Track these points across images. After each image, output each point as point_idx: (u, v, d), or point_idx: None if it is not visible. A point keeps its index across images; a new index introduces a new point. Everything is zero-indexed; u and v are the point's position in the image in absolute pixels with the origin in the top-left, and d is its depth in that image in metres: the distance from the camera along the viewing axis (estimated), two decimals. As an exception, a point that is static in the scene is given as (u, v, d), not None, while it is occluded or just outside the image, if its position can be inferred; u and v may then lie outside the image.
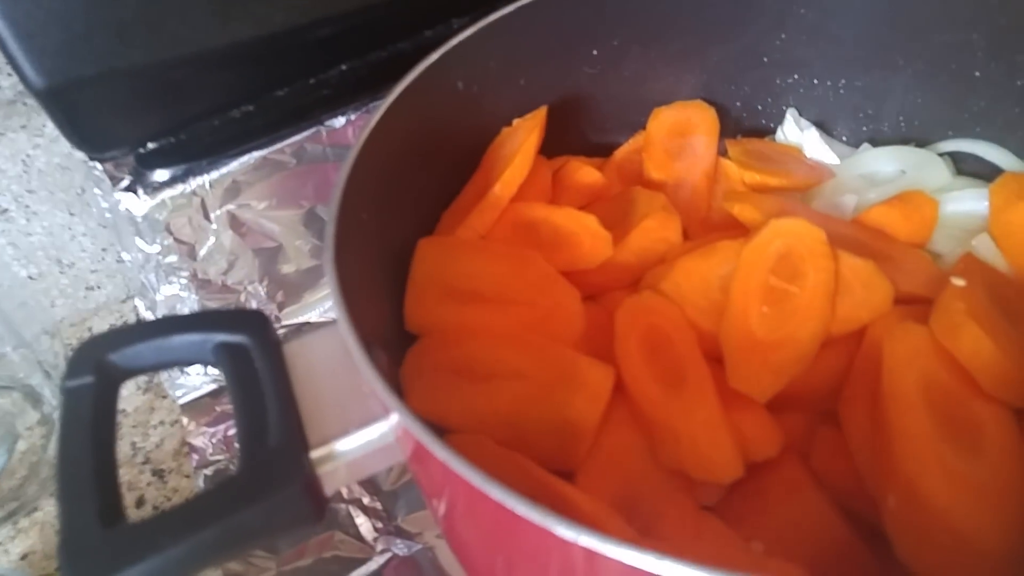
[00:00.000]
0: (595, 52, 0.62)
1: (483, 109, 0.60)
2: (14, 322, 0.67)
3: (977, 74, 0.57)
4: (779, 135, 0.66)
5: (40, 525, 0.61)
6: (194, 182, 0.63)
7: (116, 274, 0.78)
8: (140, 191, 0.62)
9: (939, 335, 0.45)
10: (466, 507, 0.39)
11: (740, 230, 0.54)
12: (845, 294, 0.49)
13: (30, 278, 0.75)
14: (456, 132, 0.59)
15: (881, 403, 0.43)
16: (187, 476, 0.61)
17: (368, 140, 0.49)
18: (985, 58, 0.56)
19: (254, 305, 0.69)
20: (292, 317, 0.71)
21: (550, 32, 0.60)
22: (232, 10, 0.55)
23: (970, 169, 0.60)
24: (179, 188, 0.63)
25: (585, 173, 0.63)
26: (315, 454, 0.40)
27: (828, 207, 0.60)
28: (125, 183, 0.62)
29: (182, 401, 0.64)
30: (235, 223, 0.66)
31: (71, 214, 0.74)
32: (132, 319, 0.74)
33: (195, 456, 0.61)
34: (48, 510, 0.62)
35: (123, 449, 0.64)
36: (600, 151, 0.66)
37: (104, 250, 0.77)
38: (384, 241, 0.53)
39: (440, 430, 0.46)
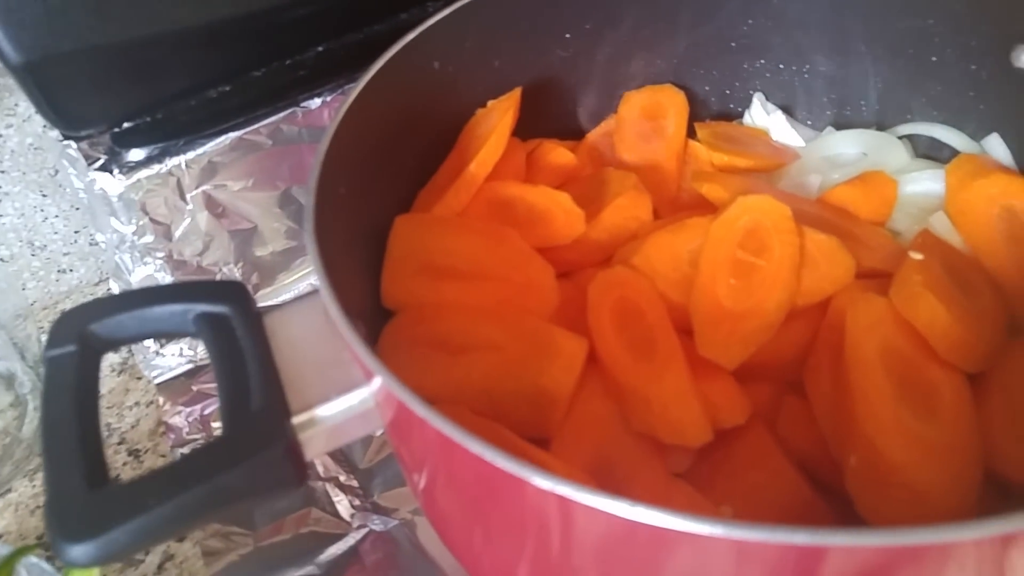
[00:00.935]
0: (568, 35, 0.63)
1: (458, 90, 0.61)
2: (-15, 304, 0.67)
3: (934, 59, 0.59)
4: (746, 119, 0.68)
5: (14, 506, 0.61)
6: (170, 162, 0.64)
7: (89, 257, 0.78)
8: (115, 170, 0.62)
9: (898, 305, 0.47)
10: (445, 472, 0.41)
11: (708, 209, 0.56)
12: (810, 268, 0.51)
13: (1, 260, 0.74)
14: (432, 112, 0.60)
15: (843, 369, 0.45)
16: (163, 456, 0.62)
17: (346, 116, 0.50)
18: (941, 44, 0.58)
19: (230, 286, 0.70)
20: (267, 299, 0.71)
21: (524, 15, 0.61)
22: (208, -11, 0.56)
23: (928, 151, 0.63)
24: (155, 168, 0.63)
25: (558, 154, 0.64)
26: (296, 419, 0.41)
27: (793, 187, 0.62)
28: (100, 162, 0.62)
29: (158, 381, 0.64)
30: (211, 204, 0.67)
31: (43, 195, 0.73)
32: (106, 300, 0.74)
33: (171, 435, 0.61)
34: (23, 491, 0.62)
35: (99, 429, 0.64)
36: (573, 134, 0.67)
37: (77, 232, 0.76)
38: (361, 218, 0.54)
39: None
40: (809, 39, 0.64)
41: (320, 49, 0.65)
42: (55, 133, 0.61)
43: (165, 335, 0.45)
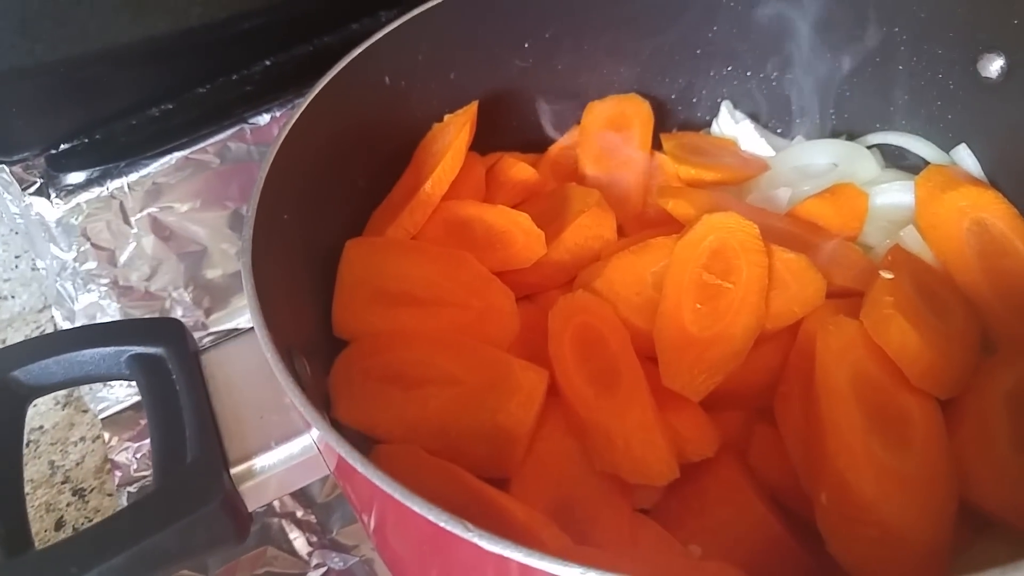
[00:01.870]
0: (527, 45, 0.61)
1: (412, 104, 0.58)
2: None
3: (900, 67, 0.57)
4: (714, 128, 0.66)
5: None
6: (112, 184, 0.60)
7: (31, 282, 0.74)
8: (52, 195, 0.59)
9: (869, 328, 0.45)
10: (395, 521, 0.38)
11: (675, 226, 0.54)
12: (779, 289, 0.49)
13: (-63, 288, 0.71)
14: (384, 128, 0.57)
15: (814, 398, 0.43)
16: (110, 495, 0.59)
17: (288, 138, 0.48)
18: (907, 52, 0.56)
19: (179, 312, 0.67)
20: (220, 323, 0.68)
21: (480, 24, 0.58)
22: (145, 3, 0.52)
23: (899, 161, 0.61)
24: (95, 191, 0.60)
25: (519, 170, 0.61)
26: (235, 470, 0.39)
27: (763, 200, 0.60)
28: (36, 186, 0.59)
29: (104, 415, 0.61)
30: (157, 227, 0.63)
31: (-20, 220, 0.70)
32: (49, 329, 0.71)
33: (118, 473, 0.58)
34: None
35: (40, 468, 0.61)
36: (534, 147, 0.65)
37: (18, 257, 0.73)
38: (310, 243, 0.52)
39: (369, 439, 0.45)
40: (774, 46, 0.62)
41: (268, 63, 0.62)
42: (-13, 157, 0.58)
43: (96, 379, 0.42)
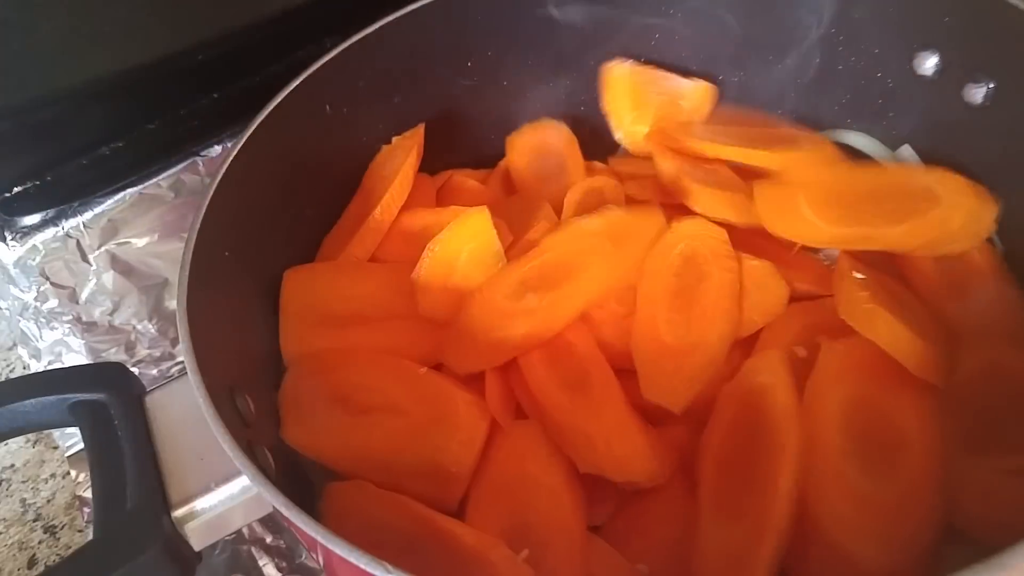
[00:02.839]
0: (470, 63, 0.61)
1: (357, 130, 0.59)
2: None
3: (840, 67, 0.57)
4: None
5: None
6: (67, 224, 0.61)
7: None
8: (8, 237, 0.60)
9: (855, 325, 0.45)
10: (338, 559, 0.39)
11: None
12: (742, 297, 0.49)
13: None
14: (330, 156, 0.57)
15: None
16: (80, 531, 0.59)
17: (227, 175, 0.48)
18: (846, 52, 0.57)
19: (145, 344, 0.67)
20: (188, 352, 0.69)
21: (421, 47, 0.59)
22: (82, 48, 0.53)
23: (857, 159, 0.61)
24: (51, 231, 0.61)
25: (469, 187, 0.62)
26: (177, 512, 0.39)
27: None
28: (-10, 231, 0.59)
29: (70, 453, 0.62)
30: (116, 262, 0.64)
31: (-55, 262, 0.70)
32: (19, 368, 0.72)
33: (87, 510, 0.59)
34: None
35: (12, 507, 0.62)
36: (485, 162, 0.65)
37: (-16, 297, 0.73)
38: (259, 274, 0.52)
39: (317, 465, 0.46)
40: (717, 49, 0.62)
41: (215, 95, 0.63)
42: (-61, 204, 0.59)
43: (40, 428, 0.42)
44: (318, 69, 0.53)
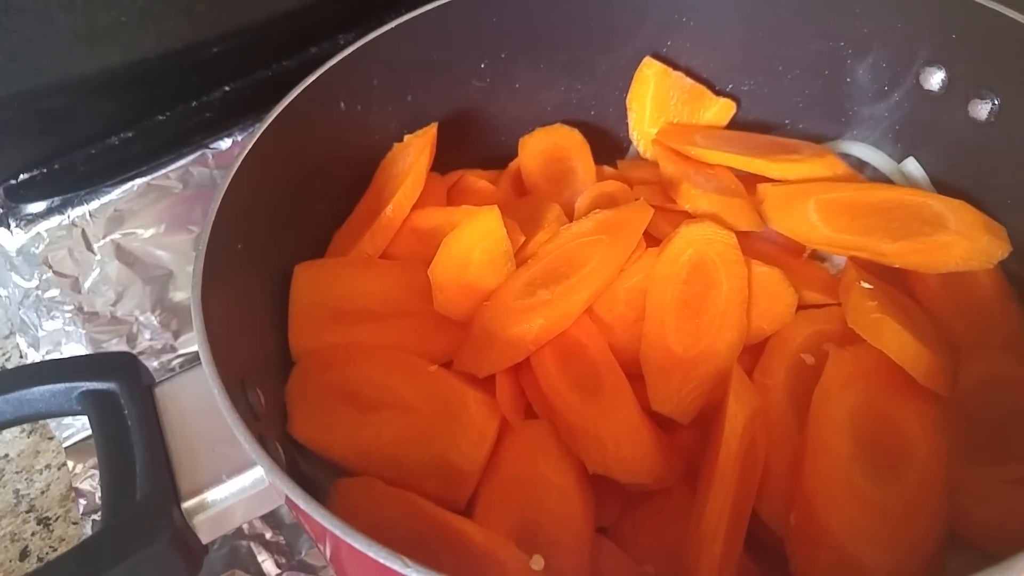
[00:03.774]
0: (483, 65, 0.62)
1: (370, 127, 0.59)
2: None
3: (848, 80, 0.58)
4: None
5: None
6: (73, 213, 0.61)
7: (-3, 310, 0.74)
8: (12, 224, 0.59)
9: (863, 334, 0.45)
10: (347, 553, 0.39)
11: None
12: (750, 304, 0.49)
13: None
14: (343, 152, 0.57)
15: (805, 419, 0.43)
16: (75, 523, 0.59)
17: (242, 167, 0.48)
18: (854, 65, 0.57)
19: (147, 335, 0.67)
20: (189, 345, 0.68)
21: (436, 46, 0.59)
22: (98, 37, 0.53)
23: (861, 171, 0.61)
24: (56, 220, 0.60)
25: (480, 187, 0.62)
26: (187, 504, 0.39)
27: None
28: (-6, 217, 0.59)
29: (68, 443, 0.61)
30: (121, 253, 0.64)
31: (-56, 249, 0.70)
32: (16, 357, 0.71)
33: (82, 501, 0.58)
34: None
35: (5, 497, 0.61)
36: (495, 163, 0.65)
37: (-17, 285, 0.73)
38: (269, 268, 0.52)
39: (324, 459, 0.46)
40: (728, 60, 0.63)
41: (227, 89, 0.63)
42: (-56, 189, 0.58)
43: (47, 416, 0.42)
44: (334, 66, 0.53)
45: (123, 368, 0.42)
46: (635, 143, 0.65)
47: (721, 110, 0.64)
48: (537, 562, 0.41)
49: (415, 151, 0.58)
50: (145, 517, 0.37)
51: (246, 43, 0.60)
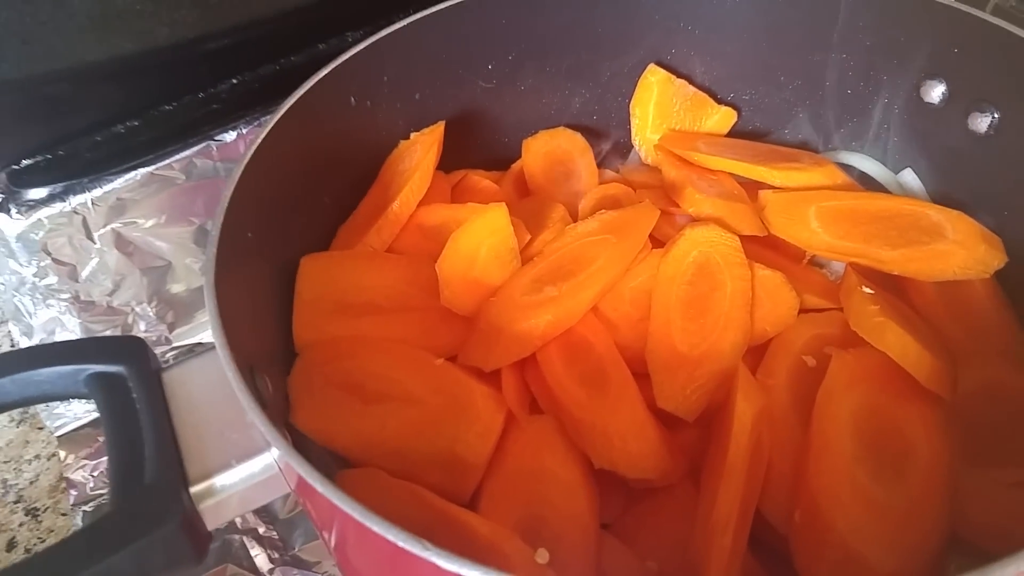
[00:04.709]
0: (490, 66, 0.62)
1: (378, 123, 0.59)
2: None
3: (849, 91, 0.59)
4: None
5: None
6: (75, 200, 0.60)
7: (-10, 297, 0.73)
8: (13, 210, 0.59)
9: (866, 336, 0.46)
10: (356, 540, 0.39)
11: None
12: (753, 306, 0.50)
13: None
14: (351, 146, 0.58)
15: (811, 420, 0.44)
16: (64, 514, 0.58)
17: (254, 157, 0.48)
18: (855, 77, 0.59)
19: (142, 326, 0.66)
20: (184, 338, 0.68)
21: (445, 47, 0.59)
22: (111, 24, 0.52)
23: (861, 182, 0.62)
24: (57, 207, 0.60)
25: (484, 187, 0.63)
26: (195, 489, 0.39)
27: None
28: (-5, 201, 0.58)
29: (60, 432, 0.60)
30: (121, 242, 0.63)
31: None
32: (6, 345, 0.70)
33: (73, 492, 0.57)
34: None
35: (-7, 487, 0.60)
36: (498, 164, 0.66)
37: (-24, 272, 0.72)
38: (276, 259, 0.52)
39: (330, 454, 0.46)
40: (730, 69, 0.64)
41: (234, 81, 0.63)
42: (-55, 171, 0.57)
43: (54, 398, 0.42)
44: (347, 60, 0.53)
45: (132, 352, 0.42)
46: (637, 148, 0.66)
47: (723, 118, 0.65)
48: (542, 555, 0.41)
49: (422, 148, 0.59)
50: (154, 500, 0.36)
51: (256, 36, 0.60)
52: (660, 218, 0.56)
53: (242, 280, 0.47)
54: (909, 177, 0.59)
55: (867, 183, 0.62)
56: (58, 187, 0.60)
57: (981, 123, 0.53)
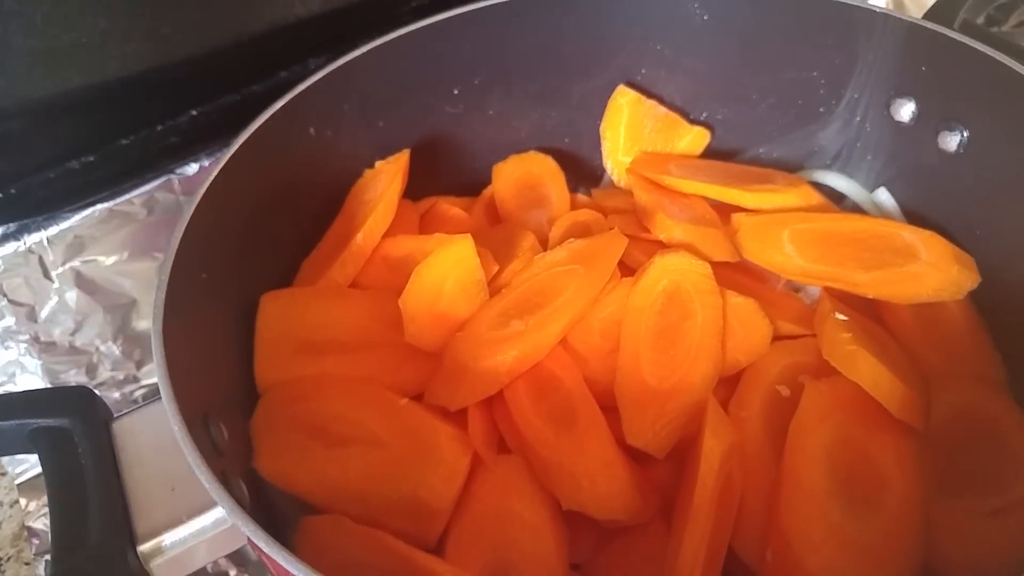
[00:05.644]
0: (456, 91, 0.61)
1: (341, 153, 0.58)
2: None
3: (821, 110, 0.59)
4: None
5: None
6: (30, 239, 0.59)
7: (-49, 338, 0.71)
8: (-35, 251, 0.57)
9: (837, 365, 0.45)
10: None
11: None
12: (726, 335, 0.49)
13: None
14: (312, 178, 0.56)
15: (782, 454, 0.43)
16: (27, 563, 0.56)
17: (207, 195, 0.47)
18: (827, 95, 0.58)
19: (108, 366, 0.65)
20: (152, 376, 0.66)
21: (408, 72, 0.58)
22: (57, 59, 0.51)
23: (838, 201, 0.61)
24: (11, 246, 0.58)
25: (453, 215, 0.61)
26: (144, 547, 0.37)
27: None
28: (-54, 243, 0.57)
29: (21, 480, 0.58)
30: (81, 280, 0.62)
31: None
32: (-32, 388, 0.68)
33: (35, 541, 0.56)
34: None
35: (-46, 536, 0.58)
36: (469, 190, 0.65)
37: (-65, 313, 0.70)
38: (235, 298, 0.50)
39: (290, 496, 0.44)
40: (702, 88, 0.63)
41: (194, 113, 0.61)
42: None
43: (-3, 455, 0.40)
44: (304, 90, 0.52)
45: (78, 403, 0.41)
46: (609, 172, 0.65)
47: (695, 138, 0.64)
48: (510, 601, 0.40)
49: (387, 178, 0.58)
50: (98, 562, 0.35)
51: (214, 66, 0.59)
52: (631, 244, 0.54)
53: (198, 323, 0.45)
54: (883, 196, 0.58)
55: (842, 202, 0.61)
56: (11, 226, 0.58)
57: (951, 141, 0.52)
